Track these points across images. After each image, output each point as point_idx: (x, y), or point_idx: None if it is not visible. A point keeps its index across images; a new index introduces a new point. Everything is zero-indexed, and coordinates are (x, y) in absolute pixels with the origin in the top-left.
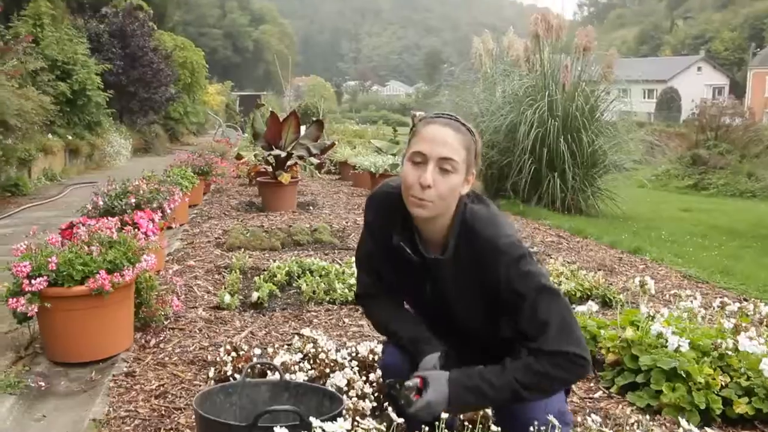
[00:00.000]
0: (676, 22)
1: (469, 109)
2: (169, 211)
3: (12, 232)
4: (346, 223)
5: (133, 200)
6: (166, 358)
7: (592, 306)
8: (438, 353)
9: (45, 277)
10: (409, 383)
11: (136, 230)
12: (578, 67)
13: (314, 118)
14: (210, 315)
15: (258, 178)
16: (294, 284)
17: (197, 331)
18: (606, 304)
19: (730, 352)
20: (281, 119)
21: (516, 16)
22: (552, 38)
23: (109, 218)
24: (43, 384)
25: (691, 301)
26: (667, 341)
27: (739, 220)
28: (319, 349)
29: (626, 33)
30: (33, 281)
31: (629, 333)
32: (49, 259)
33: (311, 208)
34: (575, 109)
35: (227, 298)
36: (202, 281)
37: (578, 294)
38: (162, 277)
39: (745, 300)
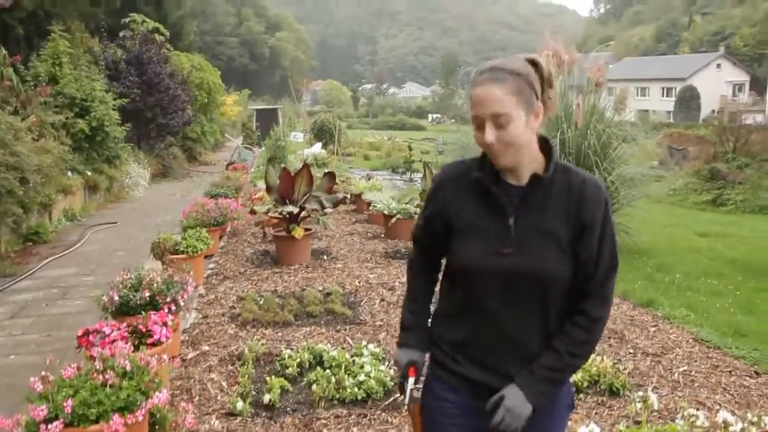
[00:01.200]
0: (695, 18)
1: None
2: (182, 303)
3: (32, 300)
4: (359, 283)
5: (147, 294)
6: None
7: (594, 429)
8: (419, 350)
9: (61, 421)
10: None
11: (150, 348)
12: (590, 101)
13: (327, 171)
14: (222, 427)
15: (273, 231)
16: (305, 377)
17: None
18: (613, 393)
19: None
20: (293, 173)
21: (532, 14)
22: (564, 73)
23: (122, 327)
24: None
25: (693, 422)
26: None
27: (758, 248)
28: None
29: (644, 30)
30: (50, 425)
31: None
32: (65, 403)
33: (325, 257)
34: (587, 147)
35: (239, 405)
36: (216, 374)
37: (585, 383)
38: (180, 360)
39: (750, 421)
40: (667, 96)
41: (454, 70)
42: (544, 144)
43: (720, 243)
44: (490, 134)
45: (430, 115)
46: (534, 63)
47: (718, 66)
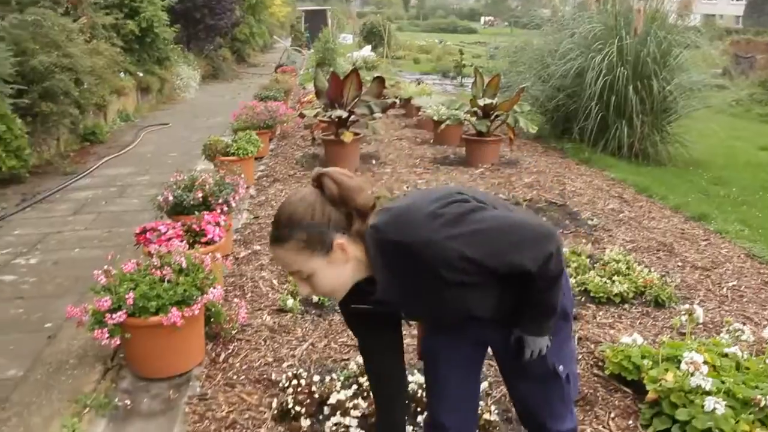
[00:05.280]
0: None
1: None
2: (234, 204)
3: (92, 197)
4: (407, 188)
5: (200, 195)
6: (234, 377)
7: (637, 338)
8: None
9: (124, 311)
10: None
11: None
12: (652, 5)
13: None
14: (273, 322)
15: (322, 135)
16: None
17: (262, 342)
18: (659, 304)
19: None
20: (342, 77)
21: None
22: None
23: (177, 226)
24: (128, 402)
25: (738, 336)
26: (707, 391)
27: None
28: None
29: None
30: (114, 315)
31: (669, 378)
32: (127, 296)
33: (373, 162)
34: (646, 55)
35: (290, 302)
36: (267, 273)
37: (631, 294)
38: (233, 258)
39: None
40: None
41: None
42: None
43: None
44: (303, 289)
45: (482, 18)
46: (320, 185)
47: None
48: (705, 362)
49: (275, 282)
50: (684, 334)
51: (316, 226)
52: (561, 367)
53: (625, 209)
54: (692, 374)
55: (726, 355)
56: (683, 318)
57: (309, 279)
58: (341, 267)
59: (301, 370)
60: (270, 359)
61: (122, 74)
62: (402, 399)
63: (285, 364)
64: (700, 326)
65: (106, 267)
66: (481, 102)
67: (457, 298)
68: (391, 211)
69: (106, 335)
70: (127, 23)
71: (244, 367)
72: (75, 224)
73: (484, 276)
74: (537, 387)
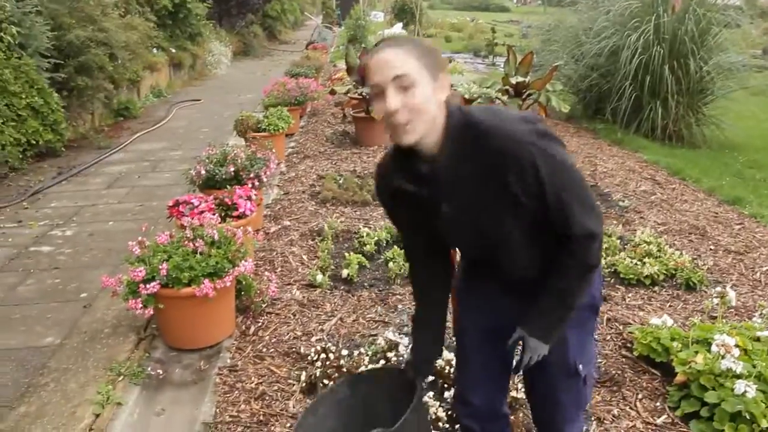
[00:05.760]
0: None
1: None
2: (265, 179)
3: (125, 171)
4: None
5: (232, 169)
6: (264, 349)
7: (667, 320)
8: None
9: (158, 282)
10: None
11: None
12: None
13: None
14: (303, 296)
15: (353, 112)
16: (382, 255)
17: (291, 316)
18: (690, 287)
19: None
20: None
21: None
22: None
23: (209, 199)
24: (161, 371)
25: None
26: (737, 374)
27: None
28: (400, 359)
29: None
30: (147, 285)
31: (699, 360)
32: (161, 267)
33: None
34: (684, 34)
35: (319, 278)
36: (297, 248)
37: (662, 277)
38: (263, 233)
39: None
40: None
41: None
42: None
43: None
44: (393, 100)
45: None
46: None
47: None
48: (736, 345)
49: (305, 257)
50: (715, 317)
51: (434, 53)
52: (581, 366)
53: (658, 191)
54: (723, 357)
55: (758, 339)
56: (715, 301)
57: (407, 90)
58: (435, 98)
59: (329, 344)
60: (299, 333)
61: (155, 50)
62: (444, 299)
63: (314, 338)
64: (732, 310)
65: (140, 238)
66: (513, 80)
67: (501, 222)
68: (476, 106)
69: (140, 305)
70: None
71: (273, 340)
72: (109, 198)
73: (533, 212)
74: (555, 386)
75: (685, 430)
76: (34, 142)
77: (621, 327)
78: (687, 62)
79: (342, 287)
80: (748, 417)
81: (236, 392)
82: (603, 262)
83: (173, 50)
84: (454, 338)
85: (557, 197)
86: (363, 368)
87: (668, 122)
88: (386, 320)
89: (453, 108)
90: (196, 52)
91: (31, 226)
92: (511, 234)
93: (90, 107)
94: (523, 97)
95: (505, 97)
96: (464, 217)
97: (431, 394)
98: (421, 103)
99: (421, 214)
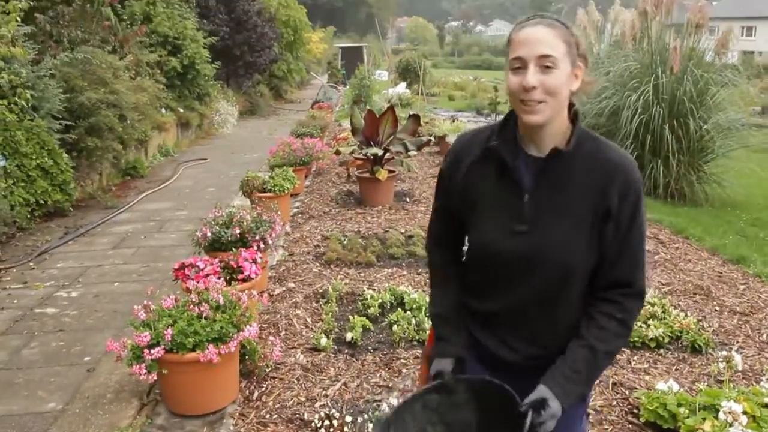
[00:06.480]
0: None
1: None
2: (270, 241)
3: (132, 231)
4: None
5: (238, 231)
6: (267, 416)
7: (673, 385)
8: (452, 359)
9: (162, 347)
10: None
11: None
12: (689, 43)
13: (411, 113)
14: (307, 360)
15: (357, 172)
16: (387, 318)
17: (295, 381)
18: (695, 350)
19: None
20: (378, 114)
21: None
22: (661, 14)
23: (215, 262)
24: None
25: None
26: None
27: None
28: None
29: None
30: (152, 350)
31: (707, 428)
32: (165, 332)
33: (407, 200)
34: (682, 94)
35: (323, 341)
36: (301, 311)
37: (667, 339)
38: (267, 295)
39: None
40: None
41: (545, 8)
42: (573, 115)
43: None
44: (533, 76)
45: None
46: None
47: None
48: (744, 412)
49: (309, 320)
50: (722, 381)
51: (577, 41)
52: None
53: (661, 251)
54: (731, 425)
55: (766, 405)
56: (721, 365)
57: (548, 70)
58: (570, 84)
59: (333, 410)
60: (302, 398)
61: (163, 110)
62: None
63: (317, 404)
64: (739, 374)
65: (145, 302)
66: None
67: (571, 240)
68: None
69: (144, 371)
70: (170, 60)
71: (277, 406)
72: (115, 258)
73: (606, 249)
74: None
75: None
76: (42, 202)
77: (627, 392)
78: (687, 122)
79: (346, 351)
80: None
81: None
82: None
83: (181, 110)
84: None
85: (635, 238)
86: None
87: (670, 180)
88: (390, 385)
89: (578, 111)
90: (204, 112)
91: (37, 288)
92: (572, 266)
93: (98, 167)
94: None
95: None
96: (533, 217)
97: None
98: (558, 87)
99: (494, 191)
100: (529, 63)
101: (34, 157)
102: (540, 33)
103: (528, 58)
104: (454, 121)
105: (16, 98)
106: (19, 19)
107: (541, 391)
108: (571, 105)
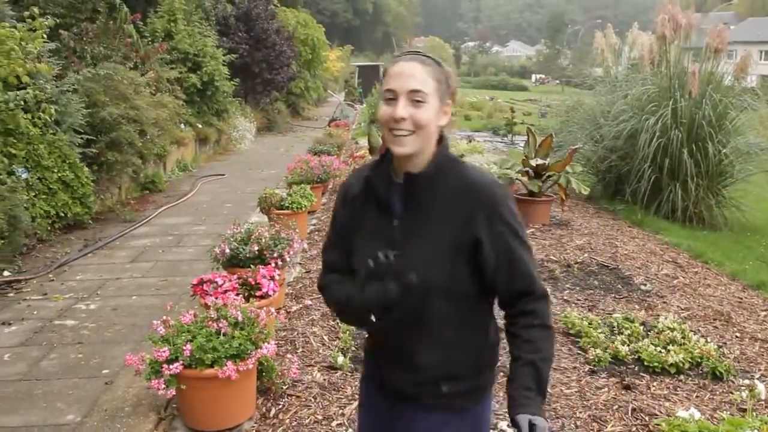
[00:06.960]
0: None
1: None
2: (288, 259)
3: (150, 245)
4: None
5: (256, 248)
6: None
7: (695, 413)
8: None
9: (181, 363)
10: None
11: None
12: (707, 68)
13: None
14: (324, 379)
15: None
16: None
17: (312, 399)
18: (716, 377)
19: None
20: None
21: None
22: (680, 38)
23: (233, 279)
24: None
25: None
26: None
27: None
28: None
29: None
30: (171, 366)
31: None
32: (184, 347)
33: None
34: (701, 118)
35: (340, 359)
36: (318, 329)
37: (687, 365)
38: (284, 312)
39: None
40: None
41: (561, 28)
42: (438, 141)
43: None
44: (403, 109)
45: (533, 76)
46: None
47: None
48: None
49: (326, 338)
50: (744, 410)
51: (448, 80)
52: None
53: (680, 275)
54: None
55: None
56: (744, 393)
57: (417, 104)
58: (437, 121)
59: (350, 429)
60: (319, 417)
61: (182, 125)
62: None
63: (334, 423)
64: (762, 402)
65: (164, 317)
66: (533, 162)
67: (443, 260)
68: None
69: (163, 386)
70: (189, 77)
71: (293, 424)
72: (133, 271)
73: (464, 273)
74: None
75: None
76: (62, 215)
77: (647, 418)
78: (705, 146)
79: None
80: None
81: None
82: (626, 348)
83: (200, 126)
84: None
85: (519, 252)
86: None
87: (688, 204)
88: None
89: (446, 138)
90: (222, 128)
91: (56, 299)
92: (432, 286)
93: (118, 181)
94: (543, 178)
95: (525, 179)
96: (410, 241)
97: None
98: (426, 120)
99: (372, 220)
100: (400, 96)
101: (55, 170)
102: (413, 69)
103: (399, 91)
104: (470, 141)
105: (40, 113)
106: (44, 36)
107: (521, 420)
108: (441, 138)
